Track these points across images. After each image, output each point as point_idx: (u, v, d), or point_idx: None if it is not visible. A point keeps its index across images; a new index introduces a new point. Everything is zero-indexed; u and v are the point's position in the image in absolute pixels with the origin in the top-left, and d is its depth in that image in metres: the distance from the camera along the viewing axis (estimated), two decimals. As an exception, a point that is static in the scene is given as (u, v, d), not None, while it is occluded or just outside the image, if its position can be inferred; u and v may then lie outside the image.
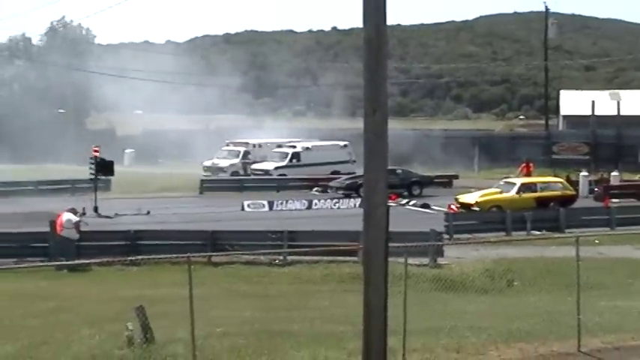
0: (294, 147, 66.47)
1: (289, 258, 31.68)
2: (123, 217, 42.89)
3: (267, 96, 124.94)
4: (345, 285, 26.31)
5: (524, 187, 44.53)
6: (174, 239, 32.78)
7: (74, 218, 32.73)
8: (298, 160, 64.19)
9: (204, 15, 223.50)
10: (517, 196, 43.61)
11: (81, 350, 17.98)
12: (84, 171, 51.00)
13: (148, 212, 43.77)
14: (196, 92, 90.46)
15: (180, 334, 16.26)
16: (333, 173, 61.08)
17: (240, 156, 68.67)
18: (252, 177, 63.66)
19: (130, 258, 29.74)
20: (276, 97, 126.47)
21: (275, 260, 31.97)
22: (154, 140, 78.71)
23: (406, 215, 41.54)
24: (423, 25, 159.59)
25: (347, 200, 49.18)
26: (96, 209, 43.82)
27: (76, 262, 28.77)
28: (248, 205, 48.57)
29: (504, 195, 44.46)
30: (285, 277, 29.87)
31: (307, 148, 65.79)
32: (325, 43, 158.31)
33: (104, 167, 47.90)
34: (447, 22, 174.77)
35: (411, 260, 18.90)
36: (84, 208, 39.33)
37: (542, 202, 43.57)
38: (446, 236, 36.30)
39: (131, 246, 32.43)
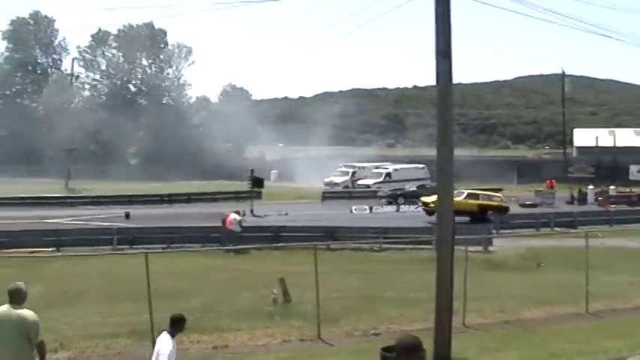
0: (387, 168, 67.14)
1: (384, 246, 31.49)
2: (269, 217, 43.18)
3: (368, 132, 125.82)
4: (422, 265, 25.97)
5: (471, 196, 42.67)
6: (304, 232, 32.84)
7: (237, 217, 33.11)
8: (390, 178, 64.42)
9: (324, 76, 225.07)
10: (464, 200, 41.15)
11: (242, 306, 18.17)
12: (243, 185, 51.76)
13: (286, 213, 43.94)
14: (318, 130, 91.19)
15: (309, 297, 16.25)
16: (419, 187, 61.22)
17: (350, 174, 69.36)
18: (358, 189, 63.82)
19: (274, 245, 30.02)
20: (374, 133, 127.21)
21: (374, 247, 31.80)
22: (290, 164, 79.53)
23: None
24: (476, 82, 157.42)
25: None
26: (252, 211, 44.25)
27: (239, 247, 29.03)
28: (355, 209, 48.38)
29: (455, 198, 42.47)
30: (380, 259, 29.66)
31: (396, 169, 66.47)
32: (408, 96, 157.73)
33: (257, 182, 48.54)
34: (493, 80, 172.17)
35: (469, 248, 18.60)
36: (244, 211, 39.72)
37: (483, 209, 41.49)
38: (493, 231, 35.73)
39: (275, 237, 32.64)
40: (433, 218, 36.23)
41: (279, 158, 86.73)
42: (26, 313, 8.74)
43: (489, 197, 43.66)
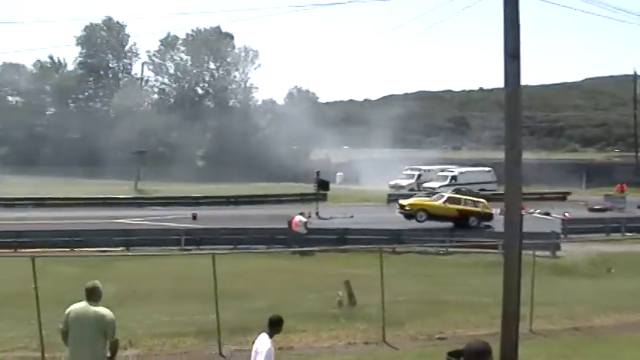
0: (453, 171, 66.63)
1: (449, 249, 31.24)
2: (335, 219, 43.22)
3: (433, 135, 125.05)
4: (488, 269, 25.73)
5: (451, 200, 40.95)
6: (369, 234, 32.79)
7: (303, 219, 33.26)
8: (456, 181, 63.94)
9: (390, 79, 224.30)
10: (443, 205, 40.00)
11: (308, 308, 18.22)
12: (309, 187, 51.92)
13: (352, 216, 43.89)
14: (384, 133, 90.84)
15: (374, 300, 16.21)
16: (479, 191, 60.41)
17: (415, 177, 68.96)
18: (423, 192, 63.33)
19: (340, 247, 30.02)
20: (440, 136, 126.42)
21: (439, 250, 31.58)
22: (356, 166, 79.47)
23: (533, 220, 40.19)
24: (544, 84, 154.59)
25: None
26: (317, 214, 44.32)
27: (305, 249, 29.14)
28: (420, 212, 48.00)
29: (432, 202, 41.15)
30: (445, 262, 29.47)
31: (462, 172, 65.96)
32: (474, 98, 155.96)
33: (323, 185, 48.60)
34: (562, 82, 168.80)
35: (536, 252, 18.27)
36: (309, 213, 39.84)
37: (463, 214, 39.35)
38: (562, 236, 35.07)
39: (341, 239, 32.65)
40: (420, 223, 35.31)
41: (344, 161, 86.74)
42: (104, 311, 9.05)
43: (473, 203, 41.17)
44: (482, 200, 41.74)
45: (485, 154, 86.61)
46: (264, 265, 25.67)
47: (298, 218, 33.10)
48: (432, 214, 39.46)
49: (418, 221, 39.15)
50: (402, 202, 42.19)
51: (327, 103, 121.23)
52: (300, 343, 14.79)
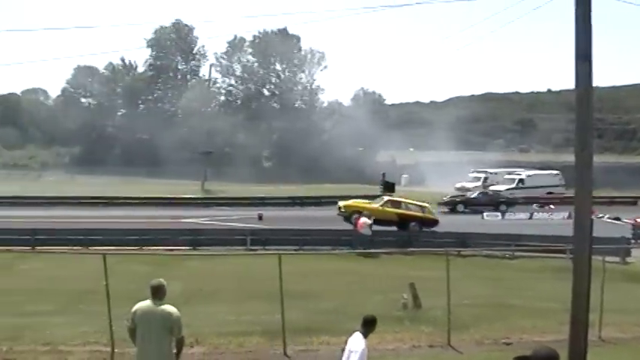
0: (520, 175, 65.80)
1: (515, 253, 30.82)
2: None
3: (500, 137, 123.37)
4: (555, 274, 25.30)
5: (390, 203, 39.49)
6: (434, 237, 32.60)
7: (368, 221, 33.19)
8: (523, 184, 63.26)
9: (456, 80, 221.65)
10: (381, 208, 38.62)
11: (372, 309, 18.09)
12: (375, 189, 51.78)
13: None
14: (449, 135, 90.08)
15: (439, 303, 16.12)
16: (547, 194, 59.53)
17: (482, 180, 68.22)
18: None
19: (405, 249, 29.88)
20: (506, 138, 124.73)
21: (505, 254, 31.18)
22: (421, 168, 79.02)
23: (603, 225, 39.32)
24: (615, 85, 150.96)
25: (558, 213, 47.04)
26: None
27: (370, 250, 29.09)
28: (486, 215, 47.58)
29: (368, 204, 39.89)
30: (512, 267, 29.08)
31: (529, 176, 65.13)
32: (542, 100, 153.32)
33: (389, 187, 48.41)
34: (633, 83, 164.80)
35: (606, 258, 17.89)
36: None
37: (403, 219, 38.01)
38: (632, 241, 34.21)
39: (406, 241, 32.52)
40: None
41: (410, 163, 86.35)
42: (170, 308, 9.25)
43: (417, 207, 39.78)
44: (426, 205, 40.61)
45: (553, 157, 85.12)
46: (328, 267, 25.73)
47: (363, 220, 33.06)
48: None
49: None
50: (340, 203, 41.20)
51: (392, 104, 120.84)
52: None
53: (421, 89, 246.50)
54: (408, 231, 36.19)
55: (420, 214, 38.72)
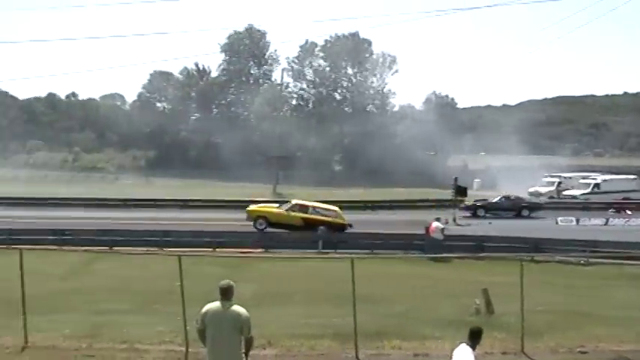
0: (596, 179, 64.32)
1: (590, 260, 30.13)
2: (472, 226, 42.55)
3: (574, 141, 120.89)
4: (632, 282, 24.71)
5: (297, 207, 38.33)
6: (508, 242, 32.11)
7: (440, 225, 32.96)
8: (598, 189, 61.77)
9: (531, 83, 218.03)
10: (285, 212, 37.78)
11: (444, 314, 18.04)
12: (446, 193, 51.29)
13: (490, 222, 43.08)
14: (522, 139, 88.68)
15: (512, 309, 15.85)
16: (623, 199, 58.01)
17: (555, 185, 66.89)
18: (564, 200, 61.39)
19: (477, 254, 29.54)
20: (581, 142, 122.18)
21: (580, 261, 30.51)
22: (493, 173, 77.93)
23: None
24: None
25: (636, 219, 45.74)
26: (454, 220, 43.82)
27: (441, 255, 28.88)
28: (560, 220, 46.63)
29: (272, 209, 38.95)
30: (586, 273, 28.39)
31: (605, 180, 63.53)
32: (618, 103, 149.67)
33: (461, 191, 47.95)
34: None
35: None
36: (447, 219, 39.38)
37: (309, 223, 36.85)
38: None
39: (478, 246, 32.13)
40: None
41: (481, 167, 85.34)
42: (239, 309, 9.46)
43: (321, 211, 38.42)
44: (335, 209, 39.30)
45: (627, 161, 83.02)
46: (400, 271, 25.62)
47: (435, 224, 32.83)
48: (273, 222, 37.78)
49: (257, 229, 37.55)
50: (248, 208, 40.25)
51: (464, 108, 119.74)
52: (435, 350, 14.63)
53: (493, 92, 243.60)
54: (316, 234, 34.89)
55: (327, 218, 37.65)
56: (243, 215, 39.11)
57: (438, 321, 17.09)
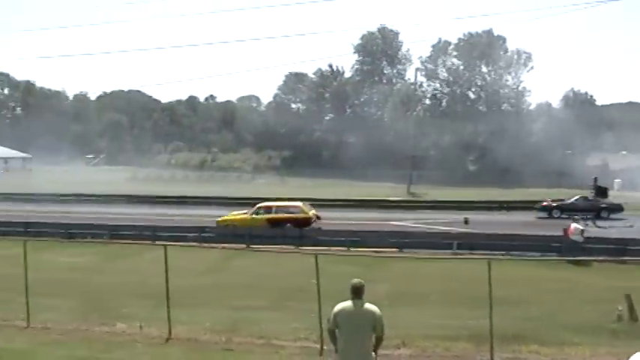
0: None
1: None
2: (613, 228, 40.80)
3: None
4: None
5: (262, 210, 37.85)
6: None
7: (580, 227, 31.87)
8: None
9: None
10: (249, 216, 37.19)
11: (583, 320, 17.43)
12: (584, 193, 49.47)
13: (631, 225, 41.26)
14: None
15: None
16: None
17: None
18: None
19: (619, 258, 28.31)
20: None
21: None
22: (636, 173, 74.57)
23: None
24: None
25: None
26: (594, 221, 42.22)
27: (580, 258, 27.91)
28: None
29: (238, 215, 37.92)
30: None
31: None
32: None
33: (601, 192, 46.28)
34: None
35: None
36: (587, 221, 37.96)
37: (275, 223, 36.50)
38: None
39: (620, 249, 30.78)
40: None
41: (623, 167, 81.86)
42: (372, 307, 9.66)
43: (284, 208, 38.11)
44: (298, 204, 38.60)
45: None
46: (537, 273, 24.97)
47: (574, 226, 31.74)
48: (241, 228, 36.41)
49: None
50: (218, 219, 39.18)
51: (603, 105, 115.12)
52: (575, 357, 14.19)
53: (636, 88, 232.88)
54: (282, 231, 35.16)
55: (291, 215, 37.57)
56: (378, 214, 39.22)
57: (577, 326, 16.55)
